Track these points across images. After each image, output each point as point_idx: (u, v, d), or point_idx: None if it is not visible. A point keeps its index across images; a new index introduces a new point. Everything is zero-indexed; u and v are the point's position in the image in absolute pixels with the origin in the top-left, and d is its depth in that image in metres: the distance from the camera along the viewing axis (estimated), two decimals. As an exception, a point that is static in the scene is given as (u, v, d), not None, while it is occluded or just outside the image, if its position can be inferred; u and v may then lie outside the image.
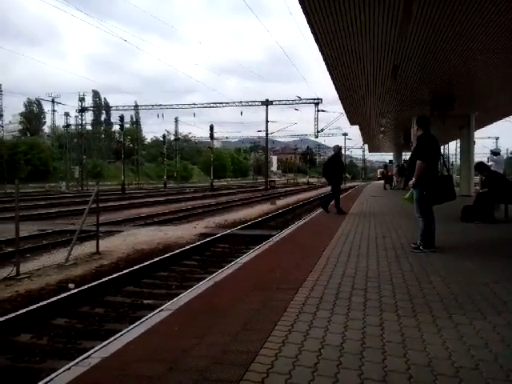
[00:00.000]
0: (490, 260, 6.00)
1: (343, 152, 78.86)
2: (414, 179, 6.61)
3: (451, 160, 52.29)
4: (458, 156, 34.54)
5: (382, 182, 39.01)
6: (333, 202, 13.30)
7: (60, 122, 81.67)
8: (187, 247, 9.45)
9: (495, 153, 15.81)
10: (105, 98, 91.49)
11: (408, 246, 6.96)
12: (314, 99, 45.69)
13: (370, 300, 4.05)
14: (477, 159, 20.67)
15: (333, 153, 13.59)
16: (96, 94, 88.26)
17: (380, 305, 3.91)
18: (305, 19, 9.48)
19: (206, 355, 2.83)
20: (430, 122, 6.89)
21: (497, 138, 73.45)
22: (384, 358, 2.77)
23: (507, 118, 27.02)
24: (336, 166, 12.90)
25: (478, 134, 29.80)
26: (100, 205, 10.48)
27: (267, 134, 49.58)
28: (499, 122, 27.54)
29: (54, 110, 65.30)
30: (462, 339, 3.09)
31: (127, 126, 61.82)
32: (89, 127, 69.34)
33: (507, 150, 73.18)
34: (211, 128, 50.31)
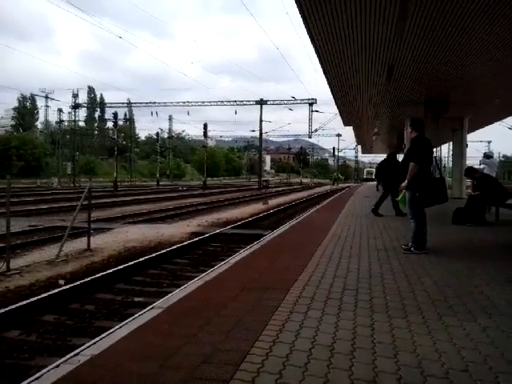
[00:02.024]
0: (480, 262, 6.03)
1: (336, 153, 77.85)
2: (406, 181, 6.64)
3: (444, 163, 52.52)
4: (451, 159, 34.72)
5: (370, 182, 38.99)
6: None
7: (53, 117, 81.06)
8: (179, 245, 9.42)
9: (488, 156, 15.92)
10: (101, 95, 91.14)
11: (399, 247, 6.98)
12: (309, 99, 45.81)
13: (360, 301, 4.06)
14: (469, 162, 20.81)
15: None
16: (91, 91, 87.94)
17: (371, 306, 3.91)
18: (300, 19, 9.50)
19: (197, 354, 2.82)
20: (424, 124, 6.92)
21: (489, 142, 73.94)
22: (374, 359, 2.77)
23: (500, 122, 27.26)
24: (391, 167, 12.36)
25: (471, 137, 29.97)
26: (92, 202, 10.42)
27: (261, 134, 49.64)
28: (492, 126, 27.78)
29: (47, 106, 65.03)
30: (452, 341, 3.11)
31: (121, 123, 61.49)
32: (82, 124, 69.11)
33: (499, 153, 73.75)
34: (205, 126, 50.25)
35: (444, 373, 2.60)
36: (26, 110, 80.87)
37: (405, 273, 5.28)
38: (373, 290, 4.43)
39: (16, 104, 79.85)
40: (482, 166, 15.00)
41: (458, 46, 11.10)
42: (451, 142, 27.09)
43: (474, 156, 45.07)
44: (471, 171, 11.52)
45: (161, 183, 55.87)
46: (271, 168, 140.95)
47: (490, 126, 27.65)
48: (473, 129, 26.44)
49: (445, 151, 61.72)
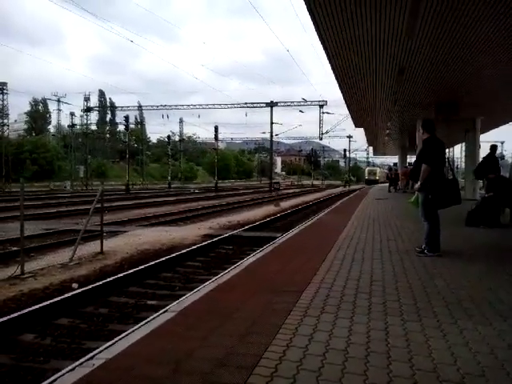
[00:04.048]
0: (495, 265, 5.97)
1: (348, 154, 76.31)
2: (419, 183, 6.59)
3: (456, 163, 52.10)
4: (463, 159, 34.43)
5: (380, 185, 38.57)
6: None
7: (65, 121, 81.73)
8: (191, 248, 9.45)
9: (500, 157, 15.80)
10: (110, 98, 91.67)
11: (413, 249, 6.93)
12: (319, 101, 45.69)
13: (374, 304, 4.04)
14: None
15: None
16: (102, 94, 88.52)
17: (385, 309, 3.89)
18: (309, 21, 9.51)
19: (210, 358, 2.82)
20: (435, 125, 6.87)
21: (502, 142, 73.14)
22: (389, 363, 2.75)
23: (513, 122, 26.95)
24: (492, 167, 11.27)
25: (484, 137, 29.65)
26: (104, 205, 10.49)
27: (272, 136, 49.57)
28: (505, 126, 27.47)
29: (59, 110, 65.64)
30: (467, 345, 3.08)
31: (132, 126, 61.83)
32: (94, 127, 69.57)
33: (513, 153, 72.84)
34: (216, 129, 50.34)
35: (460, 378, 2.58)
36: (38, 114, 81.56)
37: (418, 275, 5.24)
38: (386, 293, 4.40)
39: (28, 108, 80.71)
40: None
41: (469, 47, 11.02)
42: (464, 143, 26.90)
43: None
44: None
45: (172, 186, 56.08)
46: (282, 170, 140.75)
47: (503, 126, 27.40)
48: (486, 129, 26.21)
49: (457, 151, 61.16)
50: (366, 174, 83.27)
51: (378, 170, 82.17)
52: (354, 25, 9.58)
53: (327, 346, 3.02)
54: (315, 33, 10.25)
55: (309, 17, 9.29)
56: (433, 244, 6.59)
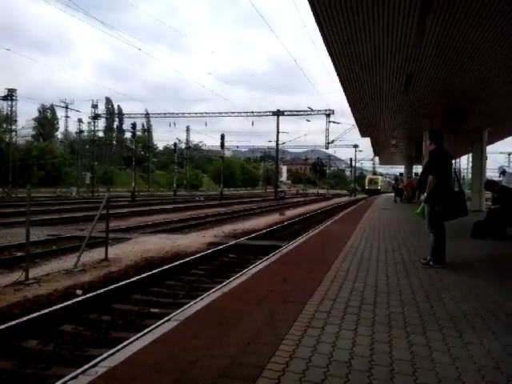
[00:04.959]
0: (501, 278, 5.93)
1: (353, 164, 75.14)
2: (425, 194, 6.57)
3: (462, 174, 51.88)
4: (470, 170, 34.38)
5: (386, 194, 38.33)
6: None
7: (73, 128, 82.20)
8: (195, 256, 9.44)
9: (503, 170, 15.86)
10: (118, 106, 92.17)
11: (418, 261, 6.89)
12: (326, 110, 45.80)
13: (378, 316, 4.01)
14: (488, 174, 20.55)
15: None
16: (109, 101, 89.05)
17: (389, 321, 3.87)
18: (316, 31, 9.55)
19: (213, 368, 2.81)
20: (443, 136, 6.85)
21: (509, 154, 72.82)
22: (392, 377, 2.73)
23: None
24: None
25: (490, 148, 29.56)
26: (110, 211, 10.52)
27: (278, 144, 49.63)
28: (512, 137, 27.38)
29: (67, 116, 66.10)
30: (472, 359, 3.05)
31: (139, 133, 62.11)
32: (101, 134, 69.96)
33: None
34: (222, 137, 50.45)
35: (464, 392, 2.56)
36: (46, 120, 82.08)
37: (423, 287, 5.21)
38: (391, 305, 4.38)
39: (37, 114, 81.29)
40: (501, 178, 14.84)
41: (477, 57, 11.02)
42: (470, 154, 26.82)
43: (492, 168, 44.41)
44: (491, 184, 11.36)
45: (178, 193, 56.13)
46: (287, 179, 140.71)
47: (510, 137, 27.31)
48: (492, 140, 26.14)
49: (464, 162, 60.96)
50: (367, 183, 74.42)
51: (381, 178, 78.08)
52: (361, 38, 9.64)
53: (330, 358, 3.00)
54: (321, 41, 10.31)
55: (316, 27, 9.35)
56: (438, 256, 6.55)
